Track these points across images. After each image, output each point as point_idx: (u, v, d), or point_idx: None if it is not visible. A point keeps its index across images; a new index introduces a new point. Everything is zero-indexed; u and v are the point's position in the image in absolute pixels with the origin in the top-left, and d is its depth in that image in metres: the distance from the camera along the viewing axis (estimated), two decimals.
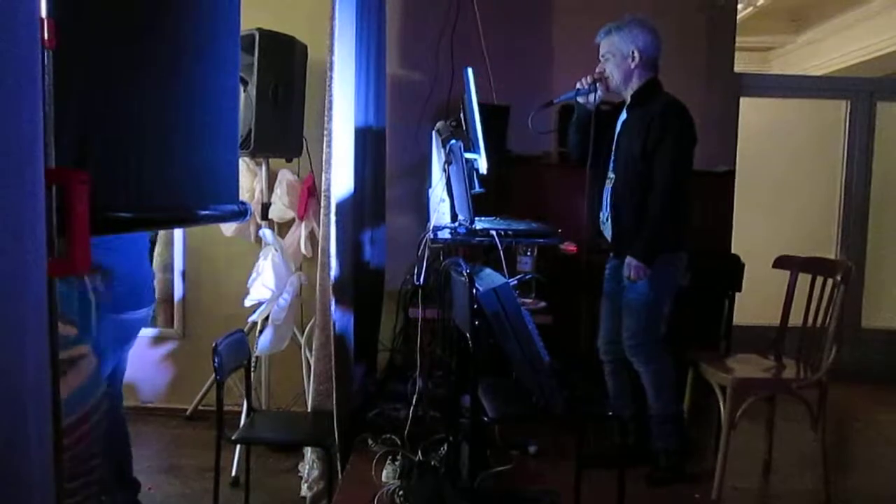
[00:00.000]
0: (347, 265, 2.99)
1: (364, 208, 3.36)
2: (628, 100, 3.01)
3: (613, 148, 3.04)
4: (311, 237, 3.88)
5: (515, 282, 2.85)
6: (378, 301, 3.90)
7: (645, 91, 2.98)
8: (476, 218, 2.78)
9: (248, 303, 3.65)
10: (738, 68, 4.59)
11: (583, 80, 3.00)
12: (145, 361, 4.25)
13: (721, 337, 3.70)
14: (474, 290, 2.11)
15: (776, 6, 6.62)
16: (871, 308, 5.11)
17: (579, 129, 3.08)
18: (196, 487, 3.26)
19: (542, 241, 2.93)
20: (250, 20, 3.27)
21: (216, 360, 2.64)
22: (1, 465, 0.84)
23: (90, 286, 2.35)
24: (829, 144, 5.13)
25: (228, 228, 3.96)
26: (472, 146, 2.98)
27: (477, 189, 2.95)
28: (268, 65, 3.49)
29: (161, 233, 4.19)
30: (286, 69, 3.62)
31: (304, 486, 3.16)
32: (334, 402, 2.81)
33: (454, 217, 3.02)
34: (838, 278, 2.88)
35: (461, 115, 3.12)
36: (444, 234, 2.86)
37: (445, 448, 2.74)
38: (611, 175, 3.03)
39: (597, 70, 3.01)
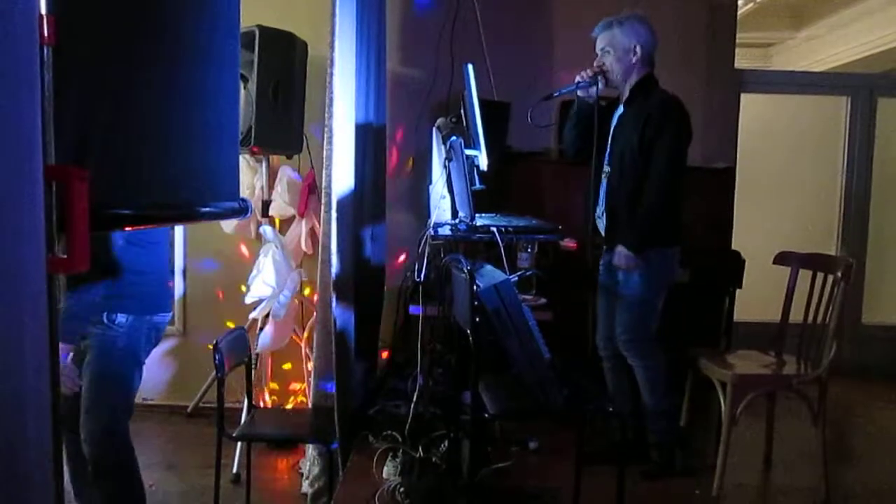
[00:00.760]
0: (348, 262, 2.98)
1: (364, 205, 3.36)
2: (625, 95, 3.01)
3: (609, 142, 3.04)
4: (312, 234, 3.88)
5: (516, 278, 2.84)
6: (379, 298, 3.90)
7: (642, 86, 2.98)
8: (476, 214, 2.78)
9: (248, 300, 3.66)
10: (738, 64, 4.59)
11: (583, 73, 2.98)
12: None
13: (721, 333, 3.70)
14: (475, 287, 2.11)
15: (777, 2, 6.61)
16: (872, 304, 5.11)
17: (579, 122, 3.07)
18: (197, 484, 3.26)
19: (542, 237, 2.93)
20: (250, 17, 3.27)
21: (217, 357, 2.65)
22: (1, 466, 0.84)
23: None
24: (830, 140, 5.13)
25: (229, 225, 3.96)
26: (472, 142, 2.97)
27: (477, 185, 2.94)
28: (268, 62, 3.49)
29: None
30: (286, 66, 3.62)
31: (305, 483, 3.17)
32: (335, 398, 2.81)
33: (455, 214, 3.02)
34: (839, 274, 2.88)
35: (461, 111, 3.11)
36: (445, 231, 2.85)
37: (446, 444, 2.74)
38: (606, 169, 3.03)
39: (596, 63, 2.99)
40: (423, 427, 2.91)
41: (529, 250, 3.05)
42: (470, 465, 2.51)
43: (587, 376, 2.99)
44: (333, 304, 2.82)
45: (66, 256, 0.97)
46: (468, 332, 2.19)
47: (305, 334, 3.96)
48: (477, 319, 2.13)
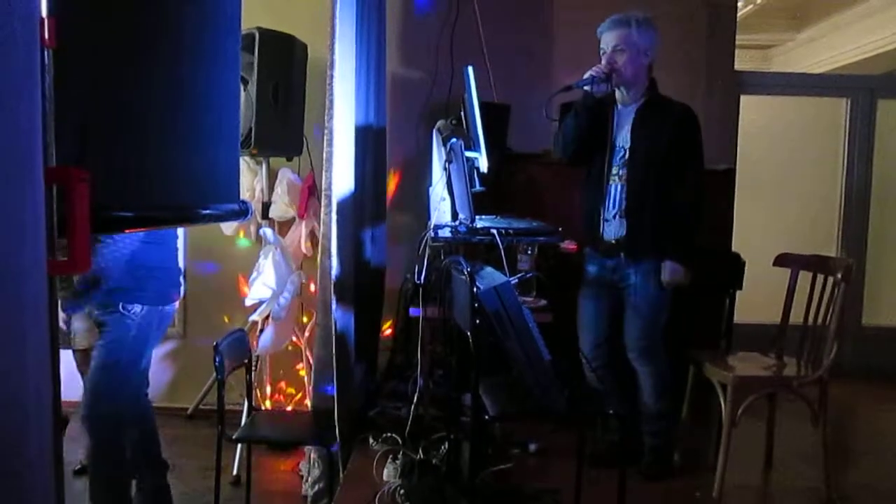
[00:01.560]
0: (348, 264, 2.98)
1: (364, 207, 3.36)
2: (633, 97, 2.98)
3: (622, 145, 2.97)
4: (312, 236, 3.88)
5: (516, 280, 2.84)
6: (379, 300, 3.90)
7: (654, 90, 2.98)
8: (477, 216, 2.78)
9: (248, 302, 3.66)
10: (738, 66, 4.59)
11: (597, 68, 2.90)
12: None
13: (722, 335, 3.69)
14: (475, 289, 2.11)
15: (776, 4, 6.61)
16: (872, 306, 5.12)
17: (581, 118, 2.98)
18: (197, 486, 3.26)
19: (542, 239, 2.92)
20: (251, 19, 3.27)
21: (217, 360, 2.65)
22: (1, 467, 0.84)
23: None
24: (830, 142, 5.13)
25: (229, 227, 3.96)
26: (472, 144, 2.97)
27: (477, 187, 2.94)
28: (268, 64, 3.49)
29: None
30: (286, 68, 3.62)
31: (306, 485, 3.17)
32: (335, 400, 2.81)
33: (455, 215, 3.02)
34: (839, 276, 2.88)
35: (461, 113, 3.11)
36: (445, 233, 2.85)
37: (446, 447, 2.74)
38: (618, 172, 2.97)
39: (608, 60, 2.91)
40: (424, 429, 2.91)
41: (529, 252, 3.04)
42: (470, 467, 2.51)
43: (587, 378, 2.99)
44: (333, 305, 2.82)
45: (66, 258, 0.97)
46: (468, 334, 2.19)
47: (305, 336, 3.96)
48: (477, 321, 2.13)
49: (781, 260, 3.23)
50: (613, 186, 2.98)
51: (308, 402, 3.49)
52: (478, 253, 2.96)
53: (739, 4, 4.86)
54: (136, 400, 2.89)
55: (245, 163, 3.86)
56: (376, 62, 3.51)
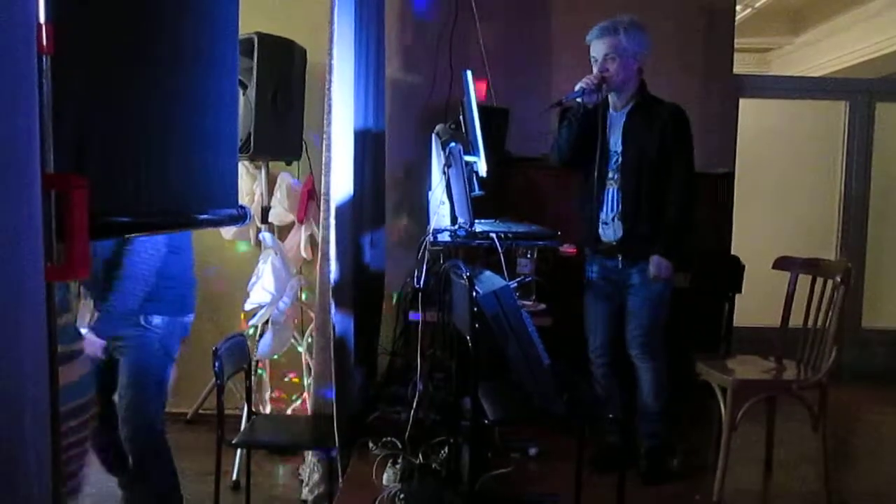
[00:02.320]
0: (347, 268, 2.98)
1: (364, 211, 3.36)
2: (624, 101, 3.00)
3: (615, 150, 3.01)
4: (311, 240, 3.88)
5: (515, 284, 2.84)
6: (378, 304, 3.90)
7: (644, 93, 3.00)
8: (476, 220, 2.78)
9: (248, 306, 3.65)
10: (736, 69, 4.59)
11: (587, 79, 2.93)
12: None
13: (721, 338, 3.70)
14: (474, 293, 2.11)
15: (775, 7, 6.63)
16: (872, 308, 5.11)
17: (576, 128, 3.02)
18: (197, 491, 3.25)
19: (541, 243, 2.93)
20: (249, 24, 3.28)
21: (216, 364, 2.65)
22: None
23: None
24: (829, 145, 5.13)
25: (228, 232, 3.96)
26: (471, 149, 2.97)
27: (476, 191, 2.94)
28: (267, 68, 3.49)
29: None
30: (285, 73, 3.62)
31: (305, 490, 3.16)
32: (335, 405, 2.81)
33: (454, 220, 3.02)
34: (838, 279, 2.88)
35: (460, 117, 3.12)
36: (444, 237, 2.85)
37: (446, 451, 2.74)
38: (613, 176, 3.01)
39: (599, 69, 2.95)
40: (423, 433, 2.90)
41: (529, 256, 3.04)
42: (470, 472, 2.51)
43: (587, 382, 2.99)
44: (333, 310, 2.82)
45: (64, 264, 0.97)
46: (468, 338, 2.19)
47: (305, 341, 3.96)
48: (476, 325, 2.13)
49: (781, 263, 3.23)
50: (609, 191, 3.03)
51: (308, 406, 3.49)
52: (477, 257, 2.96)
53: (738, 8, 4.87)
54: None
55: (244, 167, 3.86)
56: (375, 66, 3.52)
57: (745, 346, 3.38)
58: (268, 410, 4.00)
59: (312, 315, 3.58)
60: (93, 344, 2.56)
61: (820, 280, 3.01)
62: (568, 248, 3.11)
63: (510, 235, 2.78)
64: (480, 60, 4.17)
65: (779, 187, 5.18)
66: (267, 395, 4.04)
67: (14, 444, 0.86)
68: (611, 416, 2.93)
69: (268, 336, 3.66)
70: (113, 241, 2.58)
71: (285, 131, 3.66)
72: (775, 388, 3.05)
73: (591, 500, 2.52)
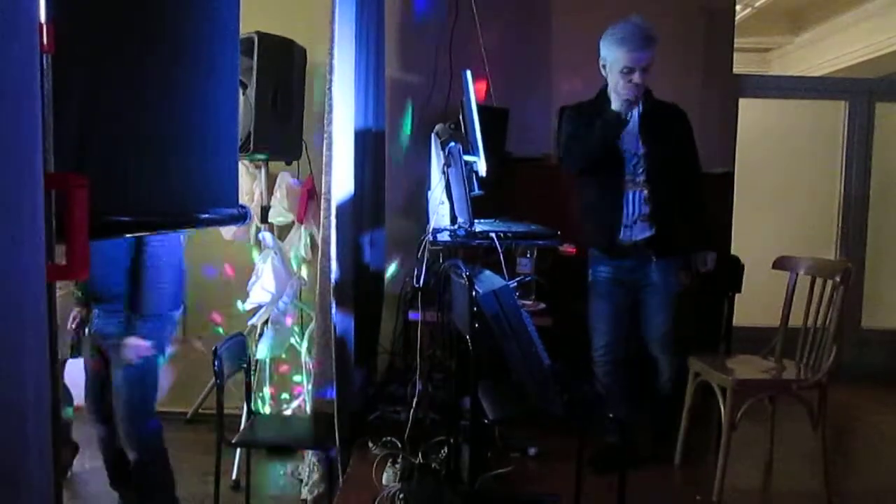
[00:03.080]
0: (347, 268, 2.99)
1: (364, 211, 3.36)
2: (637, 106, 3.00)
3: (633, 152, 3.02)
4: (311, 240, 3.88)
5: (515, 284, 2.85)
6: (378, 304, 3.90)
7: (650, 95, 3.04)
8: (475, 220, 2.78)
9: (247, 306, 3.66)
10: (736, 69, 4.59)
11: (633, 91, 2.91)
12: None
13: (721, 338, 3.70)
14: (474, 293, 2.11)
15: (775, 7, 6.63)
16: (871, 308, 5.11)
17: (604, 138, 2.99)
18: (197, 491, 3.25)
19: (541, 242, 2.93)
20: (249, 23, 3.28)
21: (216, 364, 2.65)
22: (0, 473, 0.84)
23: None
24: (828, 145, 5.13)
25: (228, 232, 3.95)
26: (471, 148, 2.97)
27: (476, 191, 2.94)
28: (267, 68, 3.49)
29: None
30: (285, 72, 3.63)
31: (305, 490, 3.16)
32: (335, 404, 2.81)
33: (453, 219, 3.02)
34: (838, 279, 2.88)
35: (460, 117, 3.12)
36: (444, 237, 2.85)
37: (446, 450, 2.74)
38: (634, 178, 3.03)
39: (641, 81, 2.91)
40: (423, 433, 2.91)
41: (528, 256, 3.05)
42: (470, 471, 2.50)
43: (587, 382, 2.99)
44: (333, 310, 2.82)
45: (65, 264, 0.97)
46: (467, 337, 2.19)
47: (305, 340, 3.96)
48: (476, 325, 2.13)
49: (780, 263, 3.23)
50: (631, 193, 3.04)
51: (307, 406, 3.49)
52: (477, 256, 2.96)
53: (737, 8, 4.87)
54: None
55: (244, 167, 3.86)
56: (375, 66, 3.52)
57: (745, 346, 3.37)
58: (267, 410, 4.00)
59: (312, 315, 3.59)
60: (137, 347, 2.61)
61: (820, 280, 3.01)
62: (568, 248, 3.11)
63: (510, 235, 2.78)
64: (480, 60, 4.17)
65: (779, 187, 5.17)
66: (267, 395, 4.05)
67: (16, 444, 0.86)
68: (611, 416, 2.93)
69: (268, 336, 3.66)
70: (126, 250, 2.58)
71: (285, 131, 3.66)
72: (775, 388, 3.05)
73: (590, 500, 2.52)
